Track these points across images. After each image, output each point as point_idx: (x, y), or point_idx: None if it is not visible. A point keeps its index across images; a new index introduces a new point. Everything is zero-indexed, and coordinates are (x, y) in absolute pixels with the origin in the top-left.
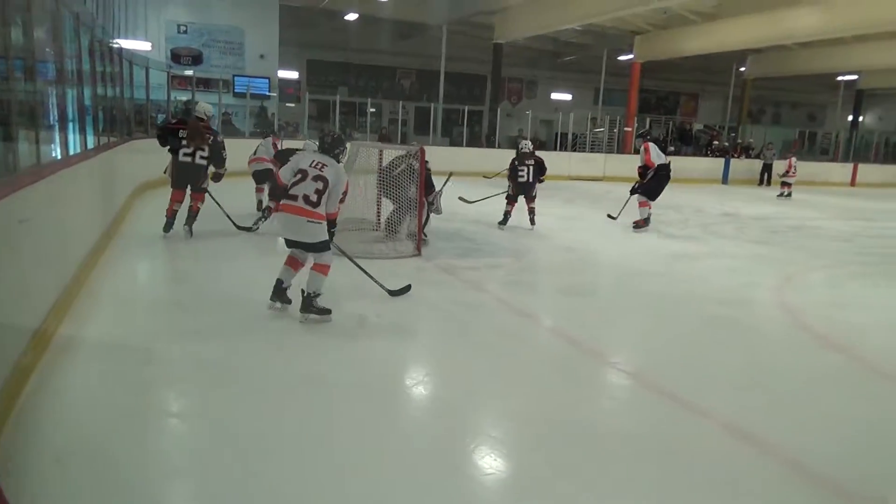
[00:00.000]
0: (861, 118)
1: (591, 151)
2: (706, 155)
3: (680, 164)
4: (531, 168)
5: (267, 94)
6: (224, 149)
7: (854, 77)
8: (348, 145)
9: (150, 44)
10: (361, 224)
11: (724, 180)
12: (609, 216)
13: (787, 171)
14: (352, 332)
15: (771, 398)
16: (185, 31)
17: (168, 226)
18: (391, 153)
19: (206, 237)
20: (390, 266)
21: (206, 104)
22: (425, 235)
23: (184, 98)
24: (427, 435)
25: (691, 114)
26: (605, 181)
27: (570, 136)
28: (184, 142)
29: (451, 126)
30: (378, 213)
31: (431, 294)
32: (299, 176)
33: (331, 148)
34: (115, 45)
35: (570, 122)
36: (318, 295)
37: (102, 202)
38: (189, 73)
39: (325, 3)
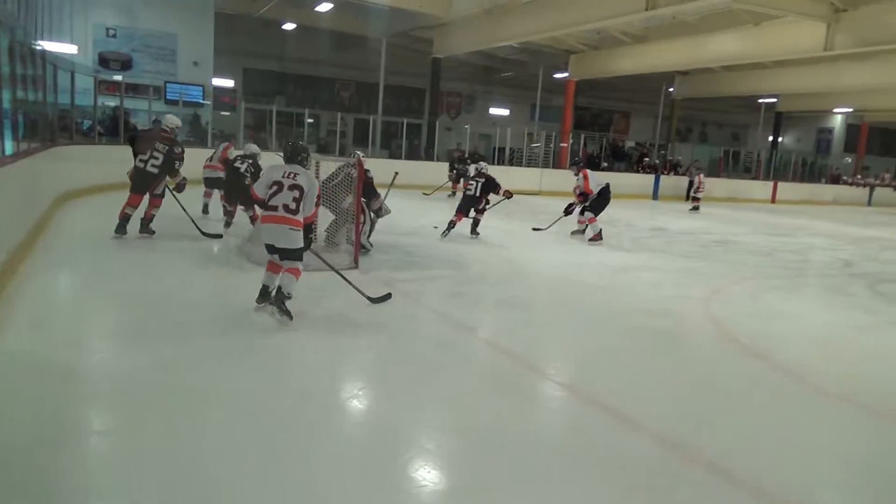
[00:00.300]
0: (780, 139)
1: (528, 166)
2: (637, 171)
3: (613, 181)
4: (479, 184)
5: (201, 101)
6: (179, 160)
7: (774, 100)
8: (309, 150)
9: (76, 47)
10: None
11: (655, 196)
12: (535, 229)
13: (698, 188)
14: (285, 346)
15: (698, 406)
16: (115, 35)
17: (120, 227)
18: (329, 165)
19: (135, 248)
20: (324, 278)
21: (173, 117)
22: (370, 245)
23: (112, 104)
24: (360, 448)
25: (623, 131)
26: (542, 195)
27: (507, 151)
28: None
29: (389, 138)
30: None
31: (367, 307)
32: (275, 188)
33: (294, 156)
34: (38, 48)
35: (507, 136)
36: (290, 297)
37: (21, 211)
38: (118, 78)
39: (263, 12)
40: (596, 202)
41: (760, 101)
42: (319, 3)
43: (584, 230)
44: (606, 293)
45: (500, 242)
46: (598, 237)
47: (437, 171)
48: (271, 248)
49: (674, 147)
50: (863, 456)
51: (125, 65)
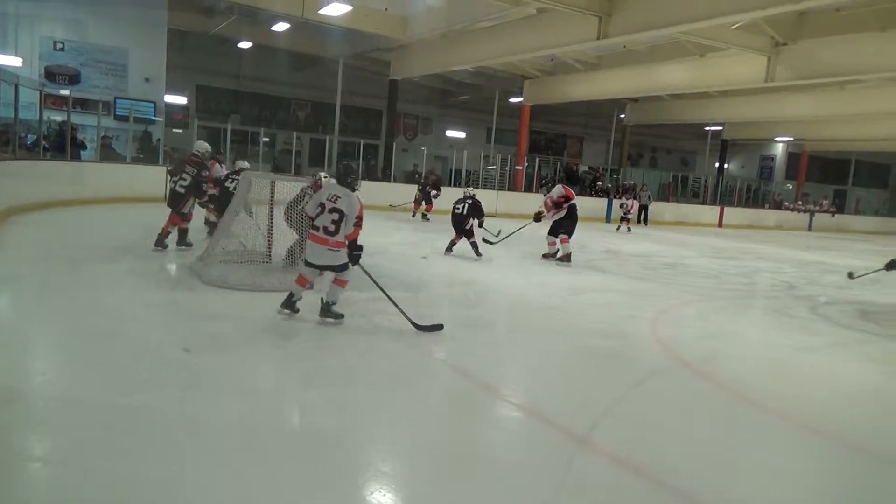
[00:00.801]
0: (726, 165)
1: (484, 188)
2: (591, 195)
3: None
4: (467, 205)
5: (152, 118)
6: (206, 182)
7: (720, 128)
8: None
9: (20, 59)
10: (251, 255)
11: (608, 219)
12: (486, 241)
13: (630, 210)
14: (236, 370)
15: (647, 424)
16: (62, 49)
17: (159, 241)
18: (284, 185)
19: (82, 266)
20: (279, 299)
21: (202, 143)
22: None
23: (58, 118)
24: (314, 471)
25: (577, 155)
26: (498, 217)
27: (463, 173)
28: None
29: (345, 159)
30: (269, 244)
31: (322, 328)
32: (320, 209)
33: (344, 178)
34: None
35: (464, 158)
36: (335, 303)
37: None
38: (65, 92)
39: (217, 30)
40: (567, 222)
41: (707, 128)
42: (276, 23)
43: (555, 252)
44: (559, 314)
45: (458, 264)
46: (567, 258)
47: (395, 192)
48: (310, 265)
49: (625, 171)
50: (803, 474)
51: (73, 79)
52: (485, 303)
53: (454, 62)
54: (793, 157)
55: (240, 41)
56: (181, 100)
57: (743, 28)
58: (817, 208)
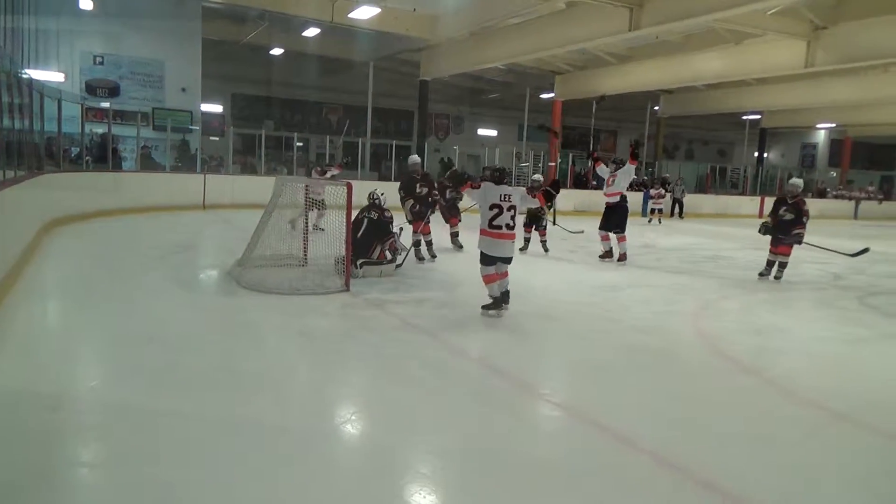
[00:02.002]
0: (766, 155)
1: (517, 185)
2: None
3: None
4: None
5: (189, 127)
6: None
7: (758, 116)
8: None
9: (62, 75)
10: (287, 260)
11: (643, 213)
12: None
13: (659, 200)
14: (272, 371)
15: (690, 423)
16: (102, 63)
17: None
18: (318, 189)
19: (124, 274)
20: (316, 302)
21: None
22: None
23: (100, 130)
24: (354, 475)
25: (611, 150)
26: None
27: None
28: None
29: (379, 160)
30: (305, 248)
31: (359, 330)
32: (496, 210)
33: (501, 179)
34: (25, 76)
35: (496, 157)
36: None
37: (7, 239)
38: (105, 105)
39: (250, 38)
40: (620, 217)
41: (744, 117)
42: (306, 29)
43: (609, 250)
44: (597, 311)
45: None
46: (624, 258)
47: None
48: (495, 259)
49: (661, 164)
50: (859, 474)
51: (112, 92)
52: (517, 301)
53: (484, 60)
54: (835, 143)
55: (272, 48)
56: (217, 108)
57: (780, 13)
58: (863, 195)
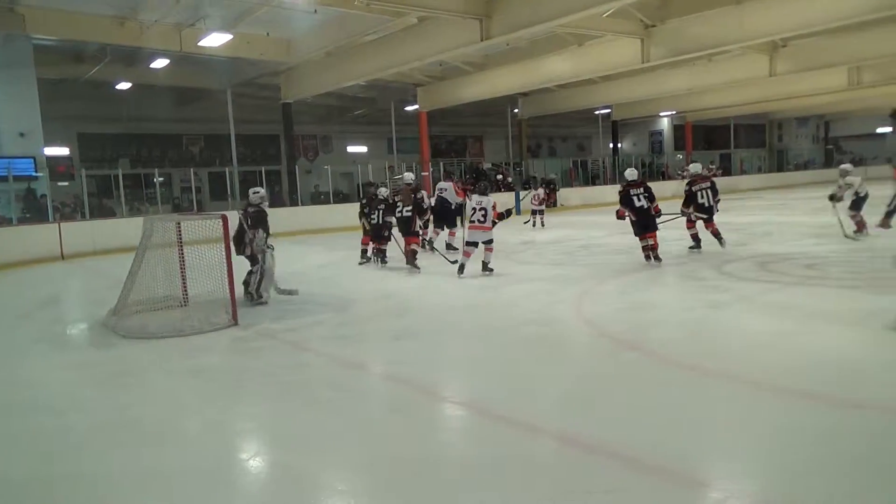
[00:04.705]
0: (620, 145)
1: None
2: (498, 190)
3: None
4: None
5: (34, 174)
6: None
7: (608, 111)
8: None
9: None
10: (167, 301)
11: (517, 211)
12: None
13: (542, 202)
14: (174, 416)
15: (588, 401)
16: None
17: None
18: (190, 225)
19: None
20: (205, 341)
21: (409, 174)
22: (263, 296)
23: None
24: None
25: (479, 154)
26: None
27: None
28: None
29: (248, 188)
30: (184, 287)
31: (253, 362)
32: (472, 212)
33: (484, 191)
34: None
35: (368, 172)
36: (489, 262)
37: None
38: None
39: (92, 74)
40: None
41: (597, 112)
42: (153, 60)
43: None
44: (487, 310)
45: (374, 278)
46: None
47: (305, 216)
48: (474, 244)
49: (527, 163)
50: (734, 419)
51: None
52: (410, 313)
53: (344, 78)
54: (678, 129)
55: (117, 83)
56: (63, 150)
57: (614, 15)
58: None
